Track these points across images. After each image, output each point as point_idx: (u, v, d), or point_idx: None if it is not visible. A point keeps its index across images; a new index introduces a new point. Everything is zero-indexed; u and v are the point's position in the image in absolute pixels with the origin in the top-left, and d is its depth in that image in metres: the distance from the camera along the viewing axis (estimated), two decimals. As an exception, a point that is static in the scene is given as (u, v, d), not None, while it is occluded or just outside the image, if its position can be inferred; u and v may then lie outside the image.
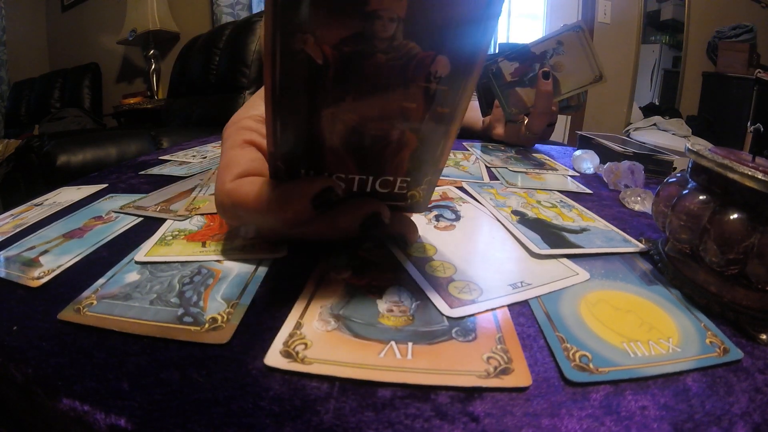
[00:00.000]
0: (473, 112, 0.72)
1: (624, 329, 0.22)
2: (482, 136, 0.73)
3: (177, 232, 0.31)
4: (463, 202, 0.38)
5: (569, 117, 2.21)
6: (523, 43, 0.60)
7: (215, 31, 1.88)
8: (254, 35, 1.60)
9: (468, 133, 0.78)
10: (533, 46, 0.59)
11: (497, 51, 0.61)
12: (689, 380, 0.19)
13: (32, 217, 0.36)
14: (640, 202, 0.41)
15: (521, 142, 0.65)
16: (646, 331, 0.22)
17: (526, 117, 0.63)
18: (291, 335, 0.20)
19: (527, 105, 0.61)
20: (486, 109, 0.68)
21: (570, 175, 0.51)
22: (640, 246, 0.31)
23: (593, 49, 0.55)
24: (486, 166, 0.52)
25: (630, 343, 0.20)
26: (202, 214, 0.35)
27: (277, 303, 0.23)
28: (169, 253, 0.28)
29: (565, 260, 0.28)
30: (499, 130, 0.67)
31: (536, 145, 0.67)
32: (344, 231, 0.24)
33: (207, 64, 1.78)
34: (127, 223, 0.34)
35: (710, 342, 0.21)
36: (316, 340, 0.20)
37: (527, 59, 0.59)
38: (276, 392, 0.17)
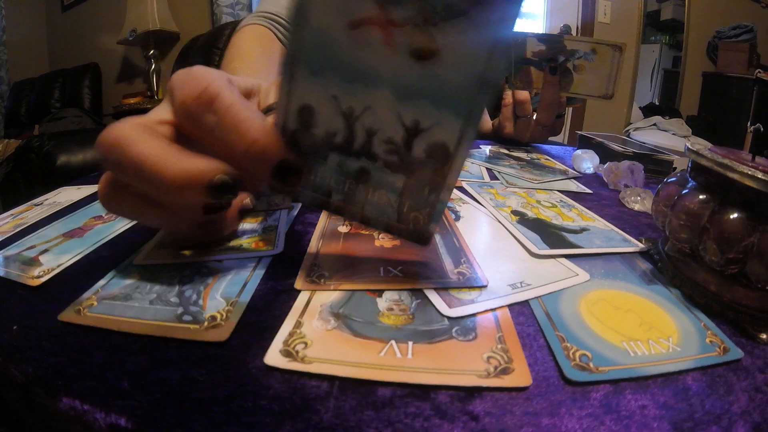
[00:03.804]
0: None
1: (624, 328, 0.22)
2: (492, 137, 0.73)
3: (177, 232, 0.31)
4: (463, 203, 0.38)
5: (569, 116, 2.21)
6: (560, 34, 0.59)
7: (215, 31, 1.88)
8: (254, 35, 1.60)
9: (477, 135, 0.78)
10: (567, 39, 0.58)
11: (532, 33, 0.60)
12: (689, 379, 0.19)
13: (32, 217, 0.36)
14: (640, 202, 0.41)
15: (532, 137, 0.65)
16: (646, 330, 0.22)
17: (535, 112, 0.63)
18: (291, 334, 0.20)
19: (533, 85, 0.61)
20: (493, 111, 0.68)
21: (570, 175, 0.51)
22: (640, 246, 0.31)
23: (619, 71, 0.55)
24: (486, 168, 0.52)
25: (630, 343, 0.20)
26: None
27: (276, 301, 0.23)
28: (169, 254, 0.28)
29: (564, 260, 0.28)
30: (509, 128, 0.66)
31: (540, 145, 0.67)
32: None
33: (207, 64, 1.75)
34: (128, 222, 0.34)
35: (710, 341, 0.21)
36: (315, 339, 0.20)
37: (555, 47, 0.58)
38: (276, 391, 0.17)
